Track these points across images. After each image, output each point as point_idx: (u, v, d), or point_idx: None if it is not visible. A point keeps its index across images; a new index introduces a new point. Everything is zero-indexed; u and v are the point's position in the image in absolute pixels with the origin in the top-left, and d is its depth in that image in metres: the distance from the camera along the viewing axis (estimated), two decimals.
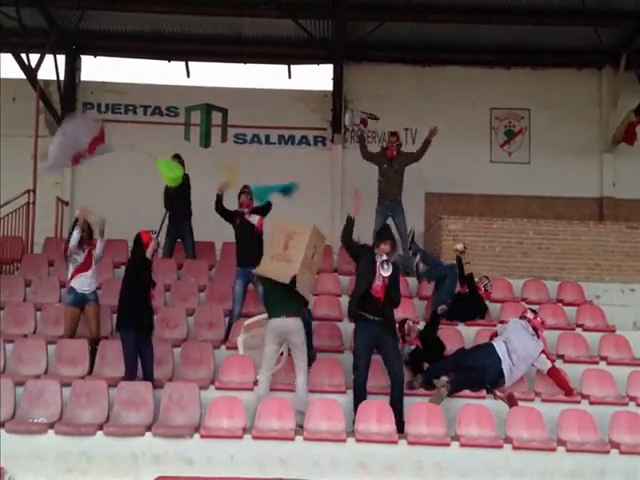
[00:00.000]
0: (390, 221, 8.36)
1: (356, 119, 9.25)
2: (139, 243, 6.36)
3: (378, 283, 6.04)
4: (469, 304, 7.44)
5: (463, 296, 7.51)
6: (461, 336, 7.12)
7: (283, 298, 6.05)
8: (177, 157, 8.68)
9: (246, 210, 7.35)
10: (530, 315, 6.66)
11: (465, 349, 6.67)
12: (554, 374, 6.46)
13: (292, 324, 6.03)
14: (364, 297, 6.07)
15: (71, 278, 6.77)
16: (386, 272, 6.00)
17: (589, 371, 6.71)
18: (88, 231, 6.82)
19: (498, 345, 6.37)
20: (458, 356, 6.45)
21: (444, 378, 6.14)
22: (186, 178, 8.55)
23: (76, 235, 6.71)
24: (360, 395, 6.04)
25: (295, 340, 6.03)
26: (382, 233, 6.45)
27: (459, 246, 7.52)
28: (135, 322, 6.14)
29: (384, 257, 6.07)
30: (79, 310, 6.78)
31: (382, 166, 8.65)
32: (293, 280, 6.01)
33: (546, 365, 6.47)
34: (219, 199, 7.34)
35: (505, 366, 6.27)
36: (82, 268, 6.75)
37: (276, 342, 6.06)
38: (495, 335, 6.73)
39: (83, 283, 6.75)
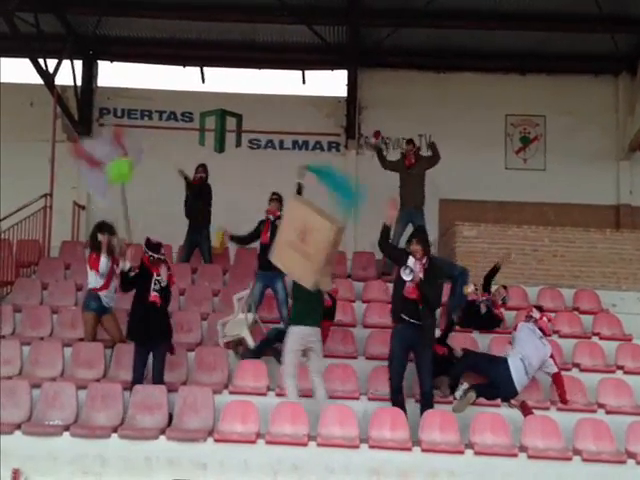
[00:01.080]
0: (410, 228, 8.34)
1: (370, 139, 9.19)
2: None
3: (410, 284, 5.96)
4: (485, 318, 7.39)
5: (479, 308, 7.39)
6: (476, 343, 7.07)
7: (316, 308, 6.14)
8: (202, 166, 8.74)
9: (272, 217, 7.26)
10: (536, 314, 6.53)
11: (476, 354, 6.59)
12: (557, 380, 6.40)
13: (319, 334, 6.15)
14: (403, 299, 6.02)
15: (102, 288, 6.75)
16: (407, 277, 5.92)
17: (605, 380, 6.65)
18: (112, 251, 6.84)
19: (514, 363, 6.25)
20: (470, 360, 6.36)
21: (466, 384, 6.06)
22: (207, 187, 8.61)
23: (105, 260, 6.68)
24: (394, 394, 5.98)
25: (317, 347, 6.11)
26: (412, 234, 6.37)
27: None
28: (139, 333, 6.17)
29: (410, 260, 6.01)
30: (98, 317, 6.84)
31: (402, 174, 8.64)
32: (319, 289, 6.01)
33: (552, 369, 6.42)
34: (235, 239, 7.46)
35: (519, 384, 6.23)
36: (108, 282, 6.77)
37: (301, 349, 6.07)
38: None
39: (109, 297, 6.80)
